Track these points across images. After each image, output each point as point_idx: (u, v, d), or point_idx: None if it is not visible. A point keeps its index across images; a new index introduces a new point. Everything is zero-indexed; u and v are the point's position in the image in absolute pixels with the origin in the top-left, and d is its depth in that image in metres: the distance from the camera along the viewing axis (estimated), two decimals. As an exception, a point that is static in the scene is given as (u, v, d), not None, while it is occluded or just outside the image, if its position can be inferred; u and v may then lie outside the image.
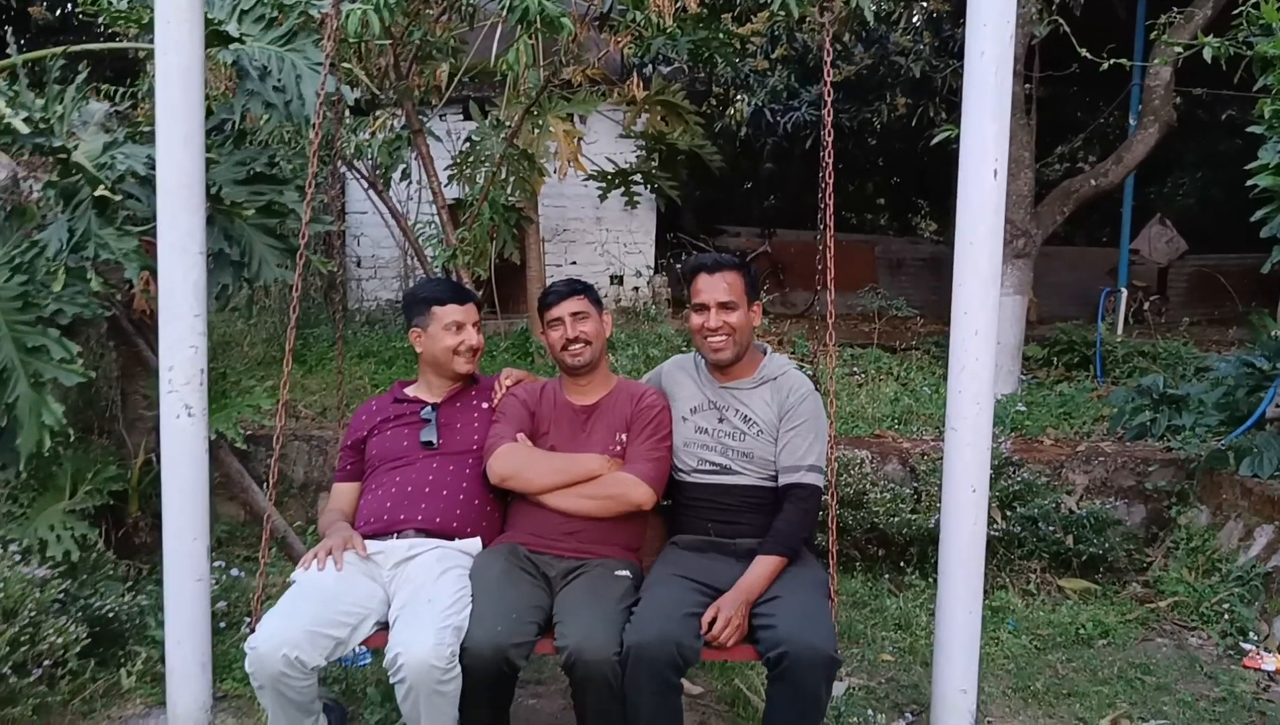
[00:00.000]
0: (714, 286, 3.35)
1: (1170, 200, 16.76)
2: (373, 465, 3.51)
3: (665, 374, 3.61)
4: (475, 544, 3.33)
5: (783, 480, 3.30)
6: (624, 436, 3.38)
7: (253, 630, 2.97)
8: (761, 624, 3.00)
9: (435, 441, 3.45)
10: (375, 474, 3.49)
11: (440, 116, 7.85)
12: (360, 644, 3.07)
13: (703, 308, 3.37)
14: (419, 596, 3.01)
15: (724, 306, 3.33)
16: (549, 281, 8.93)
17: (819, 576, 3.26)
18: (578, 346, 3.40)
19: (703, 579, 3.16)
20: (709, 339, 3.37)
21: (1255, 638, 4.56)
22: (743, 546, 3.27)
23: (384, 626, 3.08)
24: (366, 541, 3.29)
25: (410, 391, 3.65)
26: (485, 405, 3.58)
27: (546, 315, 3.45)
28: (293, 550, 4.59)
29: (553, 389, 3.54)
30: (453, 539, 3.31)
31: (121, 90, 6.97)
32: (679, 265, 10.61)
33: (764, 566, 3.15)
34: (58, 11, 13.05)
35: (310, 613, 2.95)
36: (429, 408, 3.55)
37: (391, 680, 2.87)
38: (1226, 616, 4.69)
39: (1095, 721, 3.85)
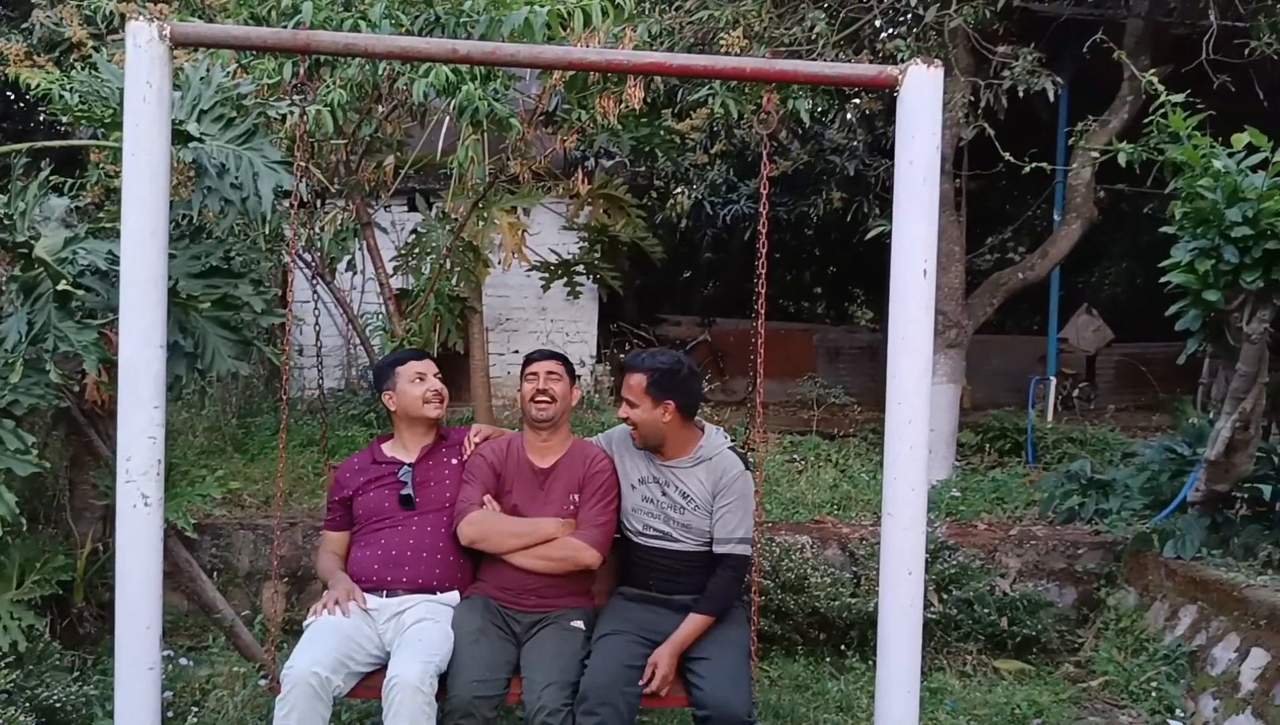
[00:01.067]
0: (628, 384, 3.80)
1: (1097, 290, 17.28)
2: (359, 523, 3.91)
3: (616, 442, 4.01)
4: (454, 596, 3.80)
5: (716, 549, 3.77)
6: (577, 497, 3.83)
7: (268, 673, 3.53)
8: (693, 682, 3.54)
9: (413, 499, 3.85)
10: (362, 532, 3.89)
11: (385, 207, 7.99)
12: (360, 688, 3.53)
13: (622, 400, 3.84)
14: (410, 636, 3.52)
15: (628, 403, 3.79)
16: (492, 371, 9.06)
17: (744, 637, 3.69)
18: (544, 398, 3.84)
19: (644, 632, 3.67)
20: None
21: (1182, 715, 4.73)
22: (678, 602, 3.76)
23: (378, 670, 3.53)
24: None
25: (387, 449, 4.01)
26: (455, 461, 3.98)
27: (526, 370, 3.90)
28: (240, 640, 4.59)
29: (517, 447, 3.94)
30: (435, 593, 3.76)
31: (70, 181, 7.03)
32: (622, 355, 10.77)
33: (695, 624, 3.66)
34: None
35: (332, 644, 3.43)
36: (405, 468, 3.91)
37: (384, 701, 3.31)
38: (1155, 694, 4.85)
39: (1031, 799, 3.97)
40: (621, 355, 10.68)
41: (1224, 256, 4.64)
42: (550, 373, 3.86)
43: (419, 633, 3.53)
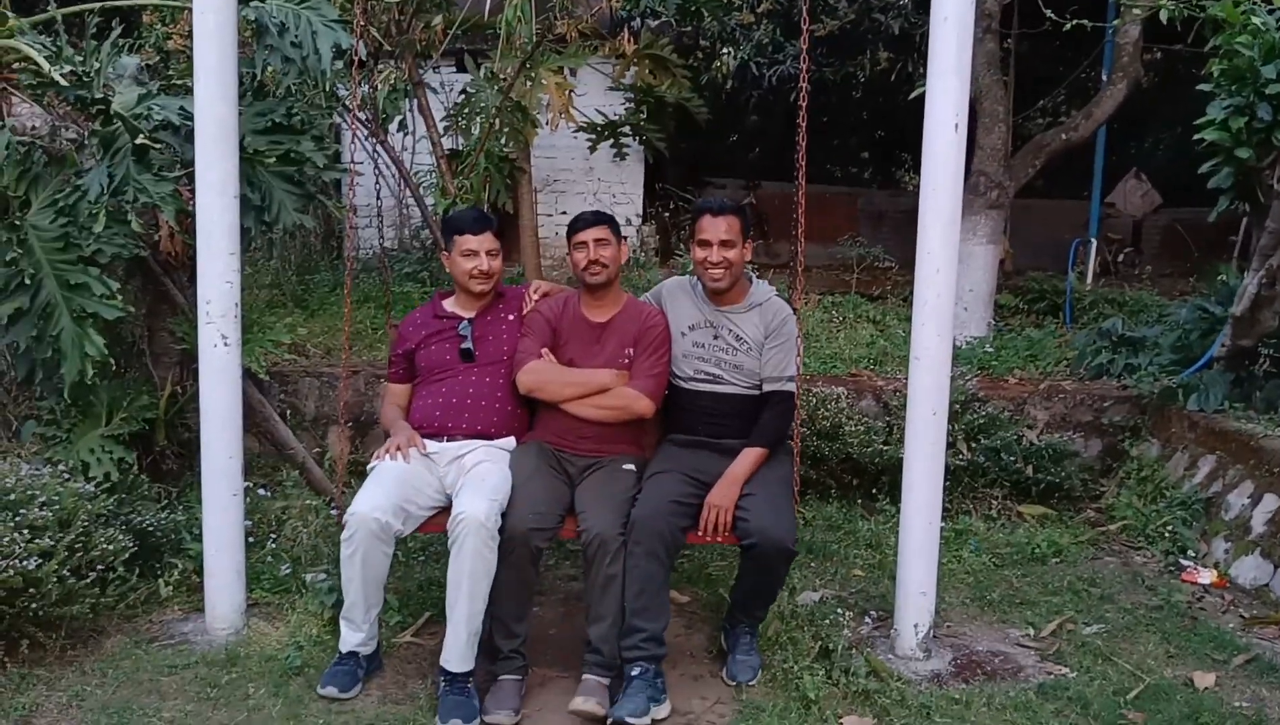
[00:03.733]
0: (716, 227, 3.87)
1: (1149, 155, 17.01)
2: (421, 375, 4.08)
3: (666, 292, 4.15)
4: (511, 442, 3.97)
5: (766, 388, 3.92)
6: (631, 351, 3.94)
7: (337, 506, 3.71)
8: (739, 516, 3.66)
9: (473, 353, 4.00)
10: (425, 383, 4.06)
11: (435, 68, 8.11)
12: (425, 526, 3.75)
13: (706, 244, 3.89)
14: (474, 477, 3.68)
15: (725, 244, 3.86)
16: (540, 231, 9.25)
17: (788, 473, 3.88)
18: (596, 268, 3.92)
19: (692, 472, 3.81)
20: (709, 271, 3.91)
21: (1194, 555, 4.98)
22: (727, 445, 3.88)
23: (441, 511, 3.73)
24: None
25: (448, 305, 4.15)
26: (512, 317, 4.10)
27: (574, 238, 3.95)
28: (311, 475, 4.94)
29: (573, 304, 4.06)
30: (493, 439, 3.93)
31: (124, 43, 7.21)
32: (666, 215, 10.92)
33: (750, 457, 3.80)
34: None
35: (392, 490, 3.60)
36: (465, 322, 4.05)
37: (450, 538, 3.48)
38: (1169, 537, 5.10)
39: (1043, 625, 4.26)
40: (666, 215, 10.83)
41: (1257, 114, 4.70)
42: (599, 240, 3.90)
43: (481, 473, 3.67)
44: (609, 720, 3.41)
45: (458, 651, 3.49)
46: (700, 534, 3.68)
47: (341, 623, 3.71)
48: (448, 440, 3.90)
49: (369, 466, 3.81)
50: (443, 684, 3.51)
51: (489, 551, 3.45)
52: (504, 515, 3.52)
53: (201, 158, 3.68)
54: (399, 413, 4.08)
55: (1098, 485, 5.84)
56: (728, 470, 3.75)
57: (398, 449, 3.78)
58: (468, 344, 3.99)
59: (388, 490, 3.58)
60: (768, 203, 13.25)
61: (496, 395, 3.97)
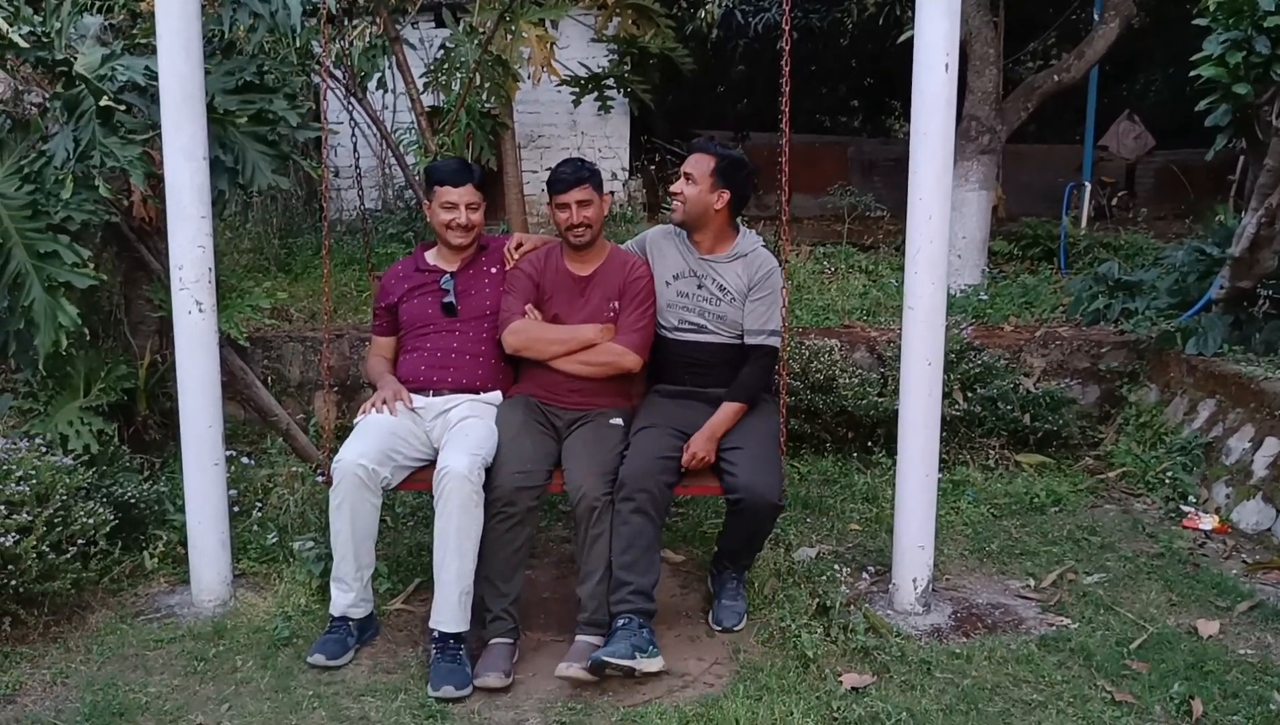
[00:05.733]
0: (691, 161, 3.90)
1: (1142, 96, 16.85)
2: (405, 329, 4.04)
3: (650, 241, 4.10)
4: (497, 396, 3.95)
5: (748, 341, 3.91)
6: (616, 304, 3.92)
7: (324, 474, 3.64)
8: (726, 470, 3.68)
9: (456, 307, 3.96)
10: (409, 337, 4.03)
11: (414, 24, 7.93)
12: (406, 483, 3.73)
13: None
14: (459, 432, 3.68)
15: (687, 177, 3.87)
16: (526, 187, 9.12)
17: (774, 427, 3.84)
18: (580, 229, 3.86)
19: (679, 425, 3.79)
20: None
21: (1194, 501, 4.92)
22: (713, 394, 3.87)
23: (428, 465, 3.70)
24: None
25: (430, 257, 4.08)
26: (495, 270, 4.06)
27: (555, 199, 3.86)
28: (296, 442, 4.85)
29: (556, 256, 4.01)
30: (479, 393, 3.91)
31: (94, 3, 7.03)
32: (653, 168, 10.78)
33: (728, 411, 3.79)
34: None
35: (379, 439, 3.60)
36: (448, 276, 4.00)
37: (435, 494, 3.46)
38: (1169, 483, 5.04)
39: (1043, 576, 4.20)
40: (652, 167, 10.70)
41: (1255, 48, 4.59)
42: (581, 202, 3.81)
43: (465, 429, 3.67)
44: (590, 662, 3.36)
45: (449, 611, 3.45)
46: (684, 485, 3.73)
47: (332, 585, 3.65)
48: (433, 395, 3.88)
49: (355, 420, 3.79)
50: (434, 650, 3.46)
51: (474, 506, 3.44)
52: (490, 472, 3.52)
53: (168, 119, 3.56)
54: (385, 365, 4.07)
55: (1096, 432, 5.78)
56: (707, 423, 3.75)
57: (384, 403, 3.77)
58: (450, 298, 3.95)
59: (374, 440, 3.57)
60: (757, 154, 13.04)
61: (481, 350, 3.96)
